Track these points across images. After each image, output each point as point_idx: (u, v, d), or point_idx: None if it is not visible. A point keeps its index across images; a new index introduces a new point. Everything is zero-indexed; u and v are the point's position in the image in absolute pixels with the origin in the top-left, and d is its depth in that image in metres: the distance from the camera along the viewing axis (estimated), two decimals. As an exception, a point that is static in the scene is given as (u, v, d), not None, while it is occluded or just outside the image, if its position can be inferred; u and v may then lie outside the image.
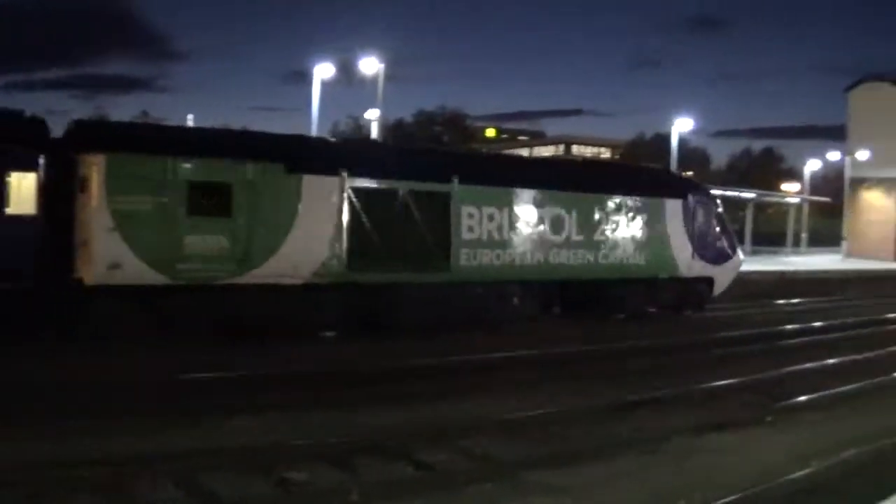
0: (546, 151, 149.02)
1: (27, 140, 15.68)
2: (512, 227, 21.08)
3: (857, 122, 64.27)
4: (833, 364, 18.11)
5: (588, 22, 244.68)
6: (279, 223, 17.63)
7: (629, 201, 23.41)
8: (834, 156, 70.60)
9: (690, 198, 24.90)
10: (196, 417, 11.13)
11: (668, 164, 50.67)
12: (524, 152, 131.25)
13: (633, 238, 23.44)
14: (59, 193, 15.72)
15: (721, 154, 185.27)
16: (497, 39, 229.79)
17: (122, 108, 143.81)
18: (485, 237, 20.62)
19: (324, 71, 40.56)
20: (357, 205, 18.68)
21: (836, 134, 69.23)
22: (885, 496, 7.77)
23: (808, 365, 17.74)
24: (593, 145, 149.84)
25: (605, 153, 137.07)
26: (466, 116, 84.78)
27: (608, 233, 22.94)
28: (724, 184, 58.56)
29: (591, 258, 22.60)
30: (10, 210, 15.17)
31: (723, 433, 11.91)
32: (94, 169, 15.81)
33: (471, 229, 20.41)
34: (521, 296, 21.73)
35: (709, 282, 25.52)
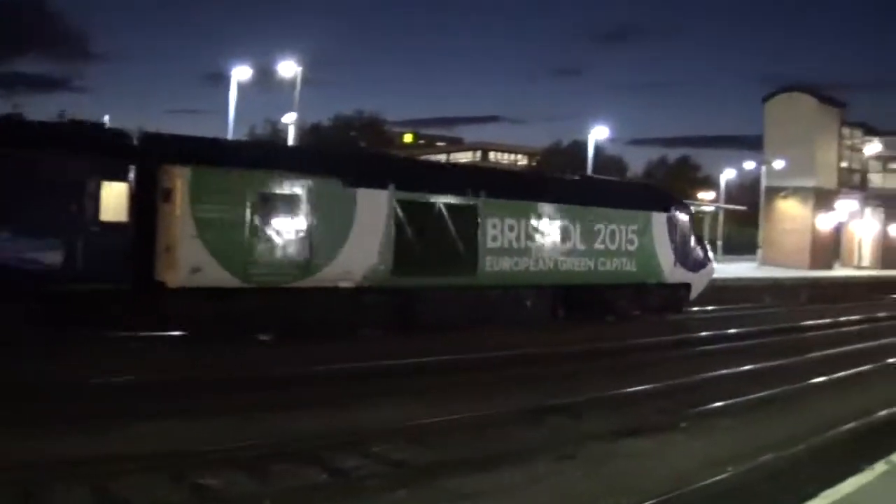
0: (463, 157, 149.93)
1: (119, 152, 17.29)
2: (527, 236, 23.57)
3: (774, 131, 65.98)
4: (749, 370, 18.49)
5: (506, 29, 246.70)
6: (337, 232, 19.71)
7: (623, 214, 26.03)
8: (749, 165, 72.50)
9: (673, 210, 27.84)
10: (105, 422, 11.06)
11: (584, 170, 51.30)
12: (441, 158, 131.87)
13: (626, 247, 26.09)
14: (142, 202, 17.23)
15: (638, 162, 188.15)
16: (416, 46, 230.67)
17: (40, 108, 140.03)
18: (505, 246, 23.07)
19: (241, 73, 40.17)
20: (401, 216, 20.90)
21: (754, 144, 71.10)
22: (802, 501, 7.89)
23: (724, 371, 18.16)
24: (510, 152, 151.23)
25: (522, 160, 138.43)
26: (384, 121, 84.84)
27: (606, 242, 25.51)
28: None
29: (592, 265, 25.17)
30: (106, 217, 16.74)
31: (639, 438, 12.10)
32: (179, 180, 17.36)
33: (494, 239, 22.83)
34: (534, 299, 24.22)
35: (687, 287, 28.31)
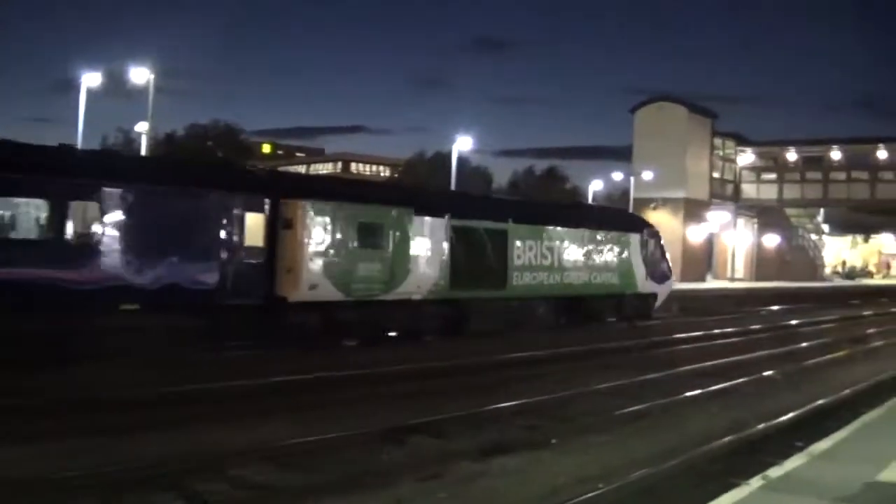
0: (323, 169, 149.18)
1: (258, 188, 22.31)
2: (541, 255, 29.74)
3: (643, 142, 67.75)
4: (622, 384, 18.85)
5: (372, 40, 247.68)
6: (411, 253, 25.06)
7: (609, 235, 32.96)
8: (618, 176, 74.12)
9: (645, 231, 35.20)
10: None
11: (448, 182, 51.56)
12: (301, 169, 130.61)
13: (611, 263, 32.87)
14: (270, 229, 21.96)
15: (505, 173, 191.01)
16: (277, 55, 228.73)
17: None
18: (526, 263, 29.18)
19: (91, 80, 39.08)
20: (455, 239, 26.44)
21: (624, 155, 72.85)
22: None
23: (596, 385, 18.40)
24: (372, 163, 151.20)
25: (385, 172, 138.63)
26: (241, 131, 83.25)
27: (597, 259, 32.19)
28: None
29: (587, 278, 31.72)
30: (249, 243, 21.37)
31: (508, 456, 12.06)
32: (299, 211, 22.20)
33: (518, 257, 28.90)
34: (544, 308, 30.25)
35: (654, 297, 35.35)
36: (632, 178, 67.42)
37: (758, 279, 72.22)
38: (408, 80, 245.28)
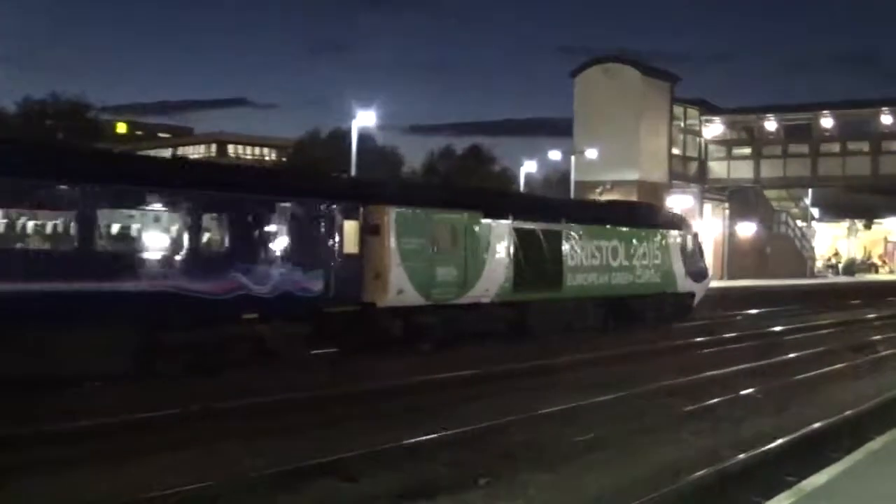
0: (194, 152, 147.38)
1: (353, 195, 27.40)
2: (592, 255, 35.45)
3: (586, 113, 68.36)
4: (569, 408, 18.99)
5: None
6: (481, 256, 30.57)
7: (651, 232, 39.10)
8: (556, 155, 74.42)
9: (683, 228, 41.95)
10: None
11: (347, 166, 51.38)
12: (166, 153, 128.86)
13: (653, 261, 38.83)
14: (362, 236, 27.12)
15: (418, 153, 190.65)
16: (140, 16, 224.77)
17: None
18: (579, 264, 34.81)
19: None
20: (517, 241, 31.97)
21: (564, 129, 73.42)
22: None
23: (538, 410, 18.50)
24: (254, 145, 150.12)
25: (271, 155, 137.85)
26: (89, 107, 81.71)
27: (641, 258, 38.04)
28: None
29: (632, 278, 37.62)
30: (347, 250, 26.40)
31: (430, 501, 12.20)
32: (386, 217, 27.40)
33: (572, 258, 34.47)
34: (593, 310, 35.93)
35: (692, 296, 41.51)
36: (573, 158, 67.91)
37: (731, 277, 72.97)
38: (300, 45, 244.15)
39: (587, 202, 54.67)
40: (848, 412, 19.26)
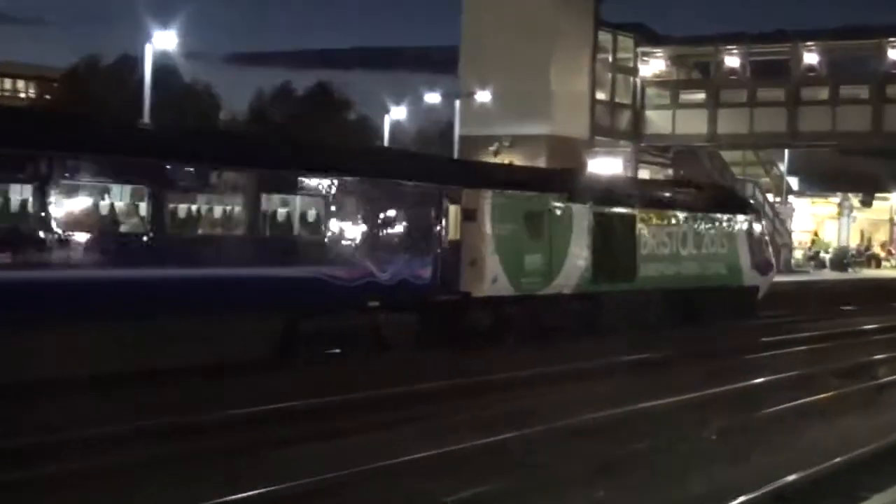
0: None
1: (455, 177, 35.36)
2: (663, 243, 42.98)
3: (477, 41, 68.57)
4: (464, 449, 19.29)
5: None
6: (563, 244, 37.30)
7: (720, 217, 46.97)
8: (434, 98, 74.24)
9: (749, 213, 50.03)
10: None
11: (139, 106, 50.88)
12: None
13: (721, 251, 46.56)
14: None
15: (243, 93, 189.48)
16: None
17: None
18: (650, 252, 42.22)
19: None
20: (595, 228, 38.83)
21: (447, 64, 73.54)
22: None
23: (423, 451, 18.78)
24: (5, 75, 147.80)
25: (28, 89, 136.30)
26: None
27: (708, 246, 45.70)
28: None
29: (700, 270, 45.31)
30: (450, 236, 33.45)
31: None
32: (483, 202, 34.32)
33: (645, 246, 41.82)
34: (662, 303, 43.02)
35: (756, 290, 49.48)
36: (457, 104, 68.07)
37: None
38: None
39: (655, 182, 65.84)
40: (835, 460, 19.35)
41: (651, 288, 42.25)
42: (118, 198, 26.79)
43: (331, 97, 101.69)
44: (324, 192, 30.18)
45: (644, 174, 76.15)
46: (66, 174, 24.62)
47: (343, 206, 30.65)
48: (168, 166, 26.95)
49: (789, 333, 44.55)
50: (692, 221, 45.17)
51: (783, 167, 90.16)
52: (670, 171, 77.76)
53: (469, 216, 34.10)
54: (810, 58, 73.95)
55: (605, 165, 71.13)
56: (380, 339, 31.49)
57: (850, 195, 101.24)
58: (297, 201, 30.23)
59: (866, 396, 28.56)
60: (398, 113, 73.72)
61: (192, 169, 27.73)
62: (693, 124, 76.35)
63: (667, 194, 47.67)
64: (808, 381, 30.30)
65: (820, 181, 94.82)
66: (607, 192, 41.89)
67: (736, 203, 50.88)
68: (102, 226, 25.79)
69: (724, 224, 47.03)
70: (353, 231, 30.79)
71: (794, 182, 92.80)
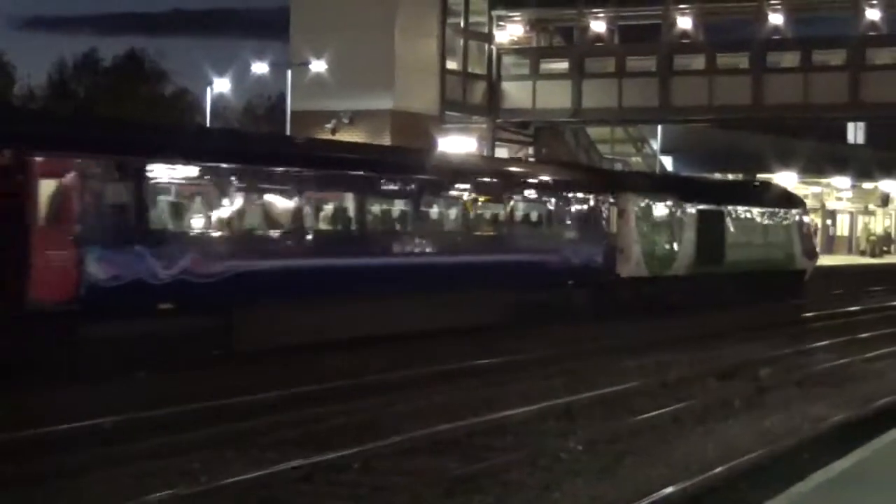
0: None
1: (616, 185, 54.12)
2: (742, 232, 60.66)
3: (310, 4, 67.81)
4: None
5: None
6: (679, 236, 55.28)
7: (779, 212, 65.35)
8: (262, 68, 74.02)
9: (800, 207, 69.33)
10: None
11: None
12: None
13: (780, 239, 64.56)
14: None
15: (41, 62, 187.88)
16: None
17: None
18: (732, 241, 59.35)
19: None
20: (698, 222, 56.56)
21: (276, 29, 73.39)
22: None
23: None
24: None
25: None
26: None
27: (771, 236, 63.80)
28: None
29: (766, 255, 62.81)
30: (611, 230, 51.98)
31: None
32: (631, 204, 52.54)
33: (730, 236, 59.26)
34: (737, 284, 58.31)
35: (804, 273, 67.54)
36: (289, 74, 67.80)
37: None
38: None
39: (736, 184, 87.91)
40: (716, 470, 19.88)
41: (734, 271, 59.23)
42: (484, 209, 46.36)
43: (141, 67, 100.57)
44: (550, 202, 49.26)
45: (501, 153, 76.37)
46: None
47: (575, 213, 49.69)
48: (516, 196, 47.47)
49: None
50: (762, 216, 63.81)
51: (656, 145, 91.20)
52: (530, 150, 78.14)
53: (622, 215, 51.51)
54: (684, 22, 74.81)
55: (458, 144, 70.97)
56: (570, 309, 46.95)
57: (730, 176, 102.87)
58: (535, 209, 49.06)
59: (748, 400, 29.50)
60: (222, 85, 73.22)
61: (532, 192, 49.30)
62: (556, 97, 76.53)
63: (742, 193, 68.48)
64: (679, 386, 31.50)
65: (697, 160, 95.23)
66: (706, 193, 61.33)
67: (790, 199, 69.76)
68: (462, 230, 44.60)
69: (783, 218, 65.99)
70: (561, 228, 49.06)
71: (667, 162, 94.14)
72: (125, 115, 71.92)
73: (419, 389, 29.13)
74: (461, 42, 74.67)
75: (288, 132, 65.25)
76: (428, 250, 42.30)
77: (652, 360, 36.21)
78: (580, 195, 50.18)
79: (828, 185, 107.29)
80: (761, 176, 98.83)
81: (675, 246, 54.95)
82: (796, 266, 66.82)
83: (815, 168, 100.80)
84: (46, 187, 29.62)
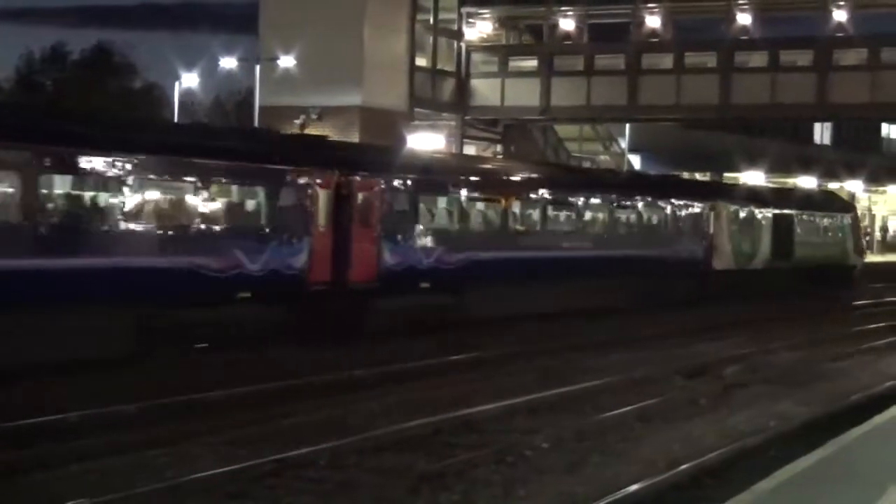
0: None
1: (712, 194, 70.50)
2: (806, 233, 77.28)
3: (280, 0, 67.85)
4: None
5: None
6: (759, 235, 71.59)
7: (837, 216, 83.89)
8: (231, 63, 73.89)
9: (852, 211, 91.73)
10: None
11: None
12: None
13: (837, 239, 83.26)
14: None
15: (8, 55, 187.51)
16: None
17: None
18: (801, 241, 75.58)
19: None
20: (773, 224, 72.63)
21: (246, 24, 73.26)
22: None
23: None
24: None
25: None
26: None
27: (830, 236, 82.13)
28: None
29: (827, 252, 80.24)
30: (709, 230, 65.99)
31: None
32: (722, 209, 66.80)
33: (798, 236, 75.61)
34: (802, 278, 75.70)
35: (854, 268, 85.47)
36: (257, 69, 67.79)
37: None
38: None
39: (803, 192, 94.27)
40: (682, 467, 20.08)
41: (800, 265, 72.60)
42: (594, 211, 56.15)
43: (109, 61, 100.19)
44: (664, 207, 60.93)
45: (470, 150, 76.44)
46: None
47: (673, 215, 61.31)
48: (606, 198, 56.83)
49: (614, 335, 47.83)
50: (823, 219, 78.30)
51: (624, 144, 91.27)
52: (499, 147, 78.21)
53: (717, 218, 63.10)
54: (653, 21, 74.58)
55: (426, 141, 70.95)
56: (674, 295, 58.33)
57: (697, 175, 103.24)
58: (657, 214, 60.63)
59: (716, 398, 29.88)
60: (190, 80, 73.14)
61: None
62: (524, 95, 76.56)
63: (805, 199, 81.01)
64: (651, 383, 31.68)
65: (666, 158, 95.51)
66: (779, 200, 74.05)
67: (844, 205, 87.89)
68: (610, 230, 55.89)
69: (840, 221, 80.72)
70: (676, 230, 61.34)
71: (636, 160, 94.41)
72: (93, 109, 71.56)
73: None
74: (430, 39, 74.70)
75: (256, 122, 65.12)
76: (589, 245, 54.00)
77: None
78: (689, 202, 62.44)
79: (794, 186, 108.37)
80: (728, 175, 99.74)
81: (756, 244, 68.03)
82: (849, 262, 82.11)
83: (781, 168, 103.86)
84: (359, 199, 39.86)
